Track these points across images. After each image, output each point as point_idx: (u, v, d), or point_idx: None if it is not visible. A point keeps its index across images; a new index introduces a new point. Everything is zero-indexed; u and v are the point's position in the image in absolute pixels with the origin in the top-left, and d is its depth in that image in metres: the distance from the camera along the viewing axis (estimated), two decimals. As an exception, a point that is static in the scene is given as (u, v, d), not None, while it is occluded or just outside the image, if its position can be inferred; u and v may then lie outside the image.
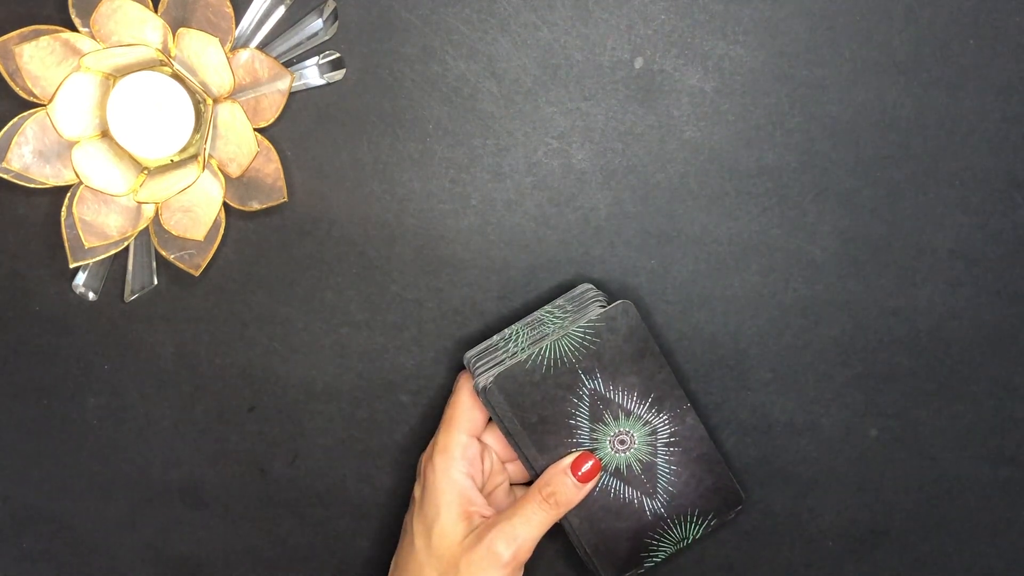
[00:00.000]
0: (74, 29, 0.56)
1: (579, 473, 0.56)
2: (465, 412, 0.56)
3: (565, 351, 0.55)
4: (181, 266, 0.58)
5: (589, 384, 0.56)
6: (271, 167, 0.58)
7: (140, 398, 0.61)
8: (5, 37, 0.55)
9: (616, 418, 0.57)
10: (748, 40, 0.59)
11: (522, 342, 0.56)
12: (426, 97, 0.59)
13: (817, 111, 0.59)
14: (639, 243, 0.60)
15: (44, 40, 0.55)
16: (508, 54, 0.59)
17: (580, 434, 0.56)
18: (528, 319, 0.58)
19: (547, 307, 0.58)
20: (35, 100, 0.56)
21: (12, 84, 0.56)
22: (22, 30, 0.55)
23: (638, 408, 0.57)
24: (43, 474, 0.62)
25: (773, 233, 0.60)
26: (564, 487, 0.56)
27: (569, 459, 0.56)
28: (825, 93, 0.59)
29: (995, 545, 0.63)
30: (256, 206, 0.58)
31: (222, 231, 0.59)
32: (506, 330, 0.58)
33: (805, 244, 0.60)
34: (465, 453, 0.56)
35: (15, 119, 0.56)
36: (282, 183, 0.58)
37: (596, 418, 0.56)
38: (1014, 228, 0.60)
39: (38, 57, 0.55)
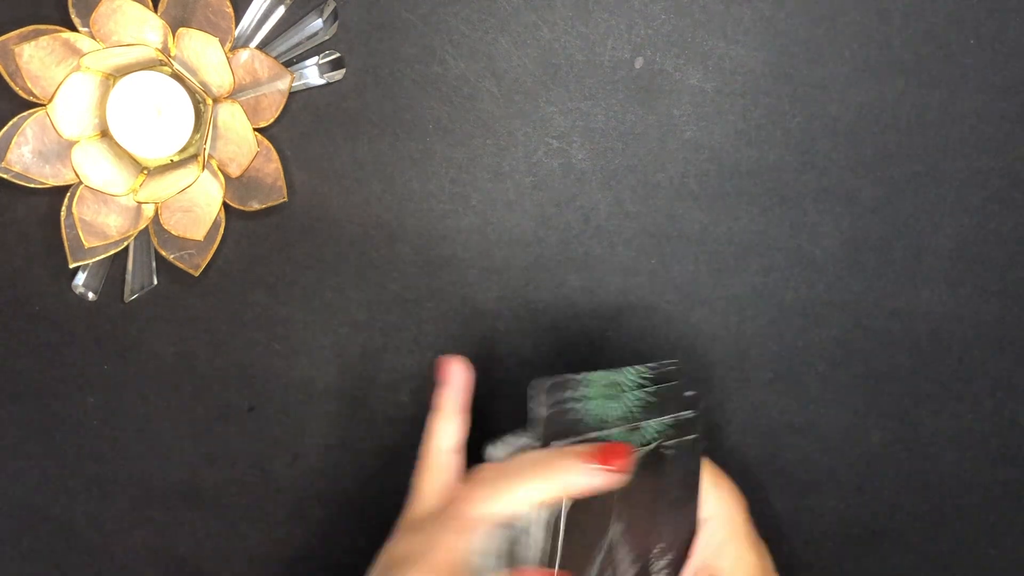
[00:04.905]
0: (74, 29, 0.56)
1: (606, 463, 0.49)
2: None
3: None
4: (181, 266, 0.58)
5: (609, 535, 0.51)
6: (271, 167, 0.58)
7: (140, 398, 0.61)
8: (5, 37, 0.55)
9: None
10: (748, 40, 0.59)
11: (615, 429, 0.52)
12: (426, 97, 0.59)
13: (817, 111, 0.59)
14: (639, 243, 0.60)
15: (44, 40, 0.55)
16: (508, 54, 0.59)
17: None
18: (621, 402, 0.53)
19: (639, 395, 0.53)
20: (35, 100, 0.56)
21: (12, 84, 0.56)
22: (22, 30, 0.55)
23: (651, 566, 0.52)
24: (43, 474, 0.62)
25: (773, 233, 0.60)
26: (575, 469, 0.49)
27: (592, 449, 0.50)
28: (825, 93, 0.59)
29: (995, 545, 0.63)
30: (256, 206, 0.58)
31: (222, 231, 0.59)
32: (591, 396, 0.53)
33: (805, 244, 0.60)
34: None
35: (15, 119, 0.56)
36: (282, 183, 0.58)
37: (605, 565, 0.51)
38: (1014, 228, 0.60)
39: (38, 57, 0.55)
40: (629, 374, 0.53)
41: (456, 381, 0.55)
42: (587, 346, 0.61)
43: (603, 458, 0.49)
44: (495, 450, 0.52)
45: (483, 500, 0.49)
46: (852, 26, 0.58)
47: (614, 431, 0.51)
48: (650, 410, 0.53)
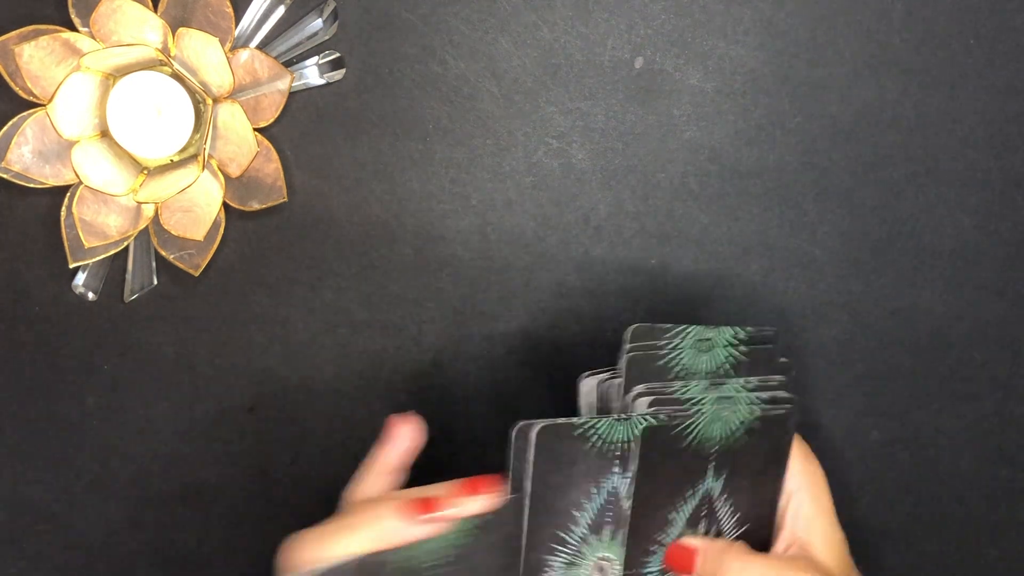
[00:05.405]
0: (74, 29, 0.56)
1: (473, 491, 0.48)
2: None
3: (723, 433, 0.51)
4: (181, 266, 0.58)
5: (706, 483, 0.51)
6: (271, 167, 0.58)
7: (140, 398, 0.61)
8: (5, 37, 0.55)
9: (708, 528, 0.51)
10: (748, 40, 0.59)
11: (705, 398, 0.52)
12: (426, 97, 0.59)
13: (817, 111, 0.59)
14: (639, 243, 0.60)
15: (44, 40, 0.55)
16: (508, 54, 0.59)
17: (672, 531, 0.51)
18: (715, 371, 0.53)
19: (740, 381, 0.53)
20: (35, 100, 0.56)
21: (12, 84, 0.56)
22: (22, 30, 0.55)
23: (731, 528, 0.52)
24: (43, 474, 0.62)
25: (773, 233, 0.60)
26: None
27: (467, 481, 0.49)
28: (825, 93, 0.59)
29: (995, 545, 0.63)
30: (256, 206, 0.58)
31: (222, 231, 0.59)
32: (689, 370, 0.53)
33: (805, 244, 0.60)
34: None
35: (15, 119, 0.56)
36: (282, 183, 0.58)
37: (695, 521, 0.51)
38: (1014, 228, 0.60)
39: (38, 57, 0.55)
40: (725, 332, 0.53)
41: (399, 442, 0.54)
42: (587, 346, 0.61)
43: (423, 506, 0.48)
44: (582, 383, 0.53)
45: (299, 560, 0.49)
46: (852, 26, 0.58)
47: (697, 382, 0.52)
48: (739, 368, 0.53)
